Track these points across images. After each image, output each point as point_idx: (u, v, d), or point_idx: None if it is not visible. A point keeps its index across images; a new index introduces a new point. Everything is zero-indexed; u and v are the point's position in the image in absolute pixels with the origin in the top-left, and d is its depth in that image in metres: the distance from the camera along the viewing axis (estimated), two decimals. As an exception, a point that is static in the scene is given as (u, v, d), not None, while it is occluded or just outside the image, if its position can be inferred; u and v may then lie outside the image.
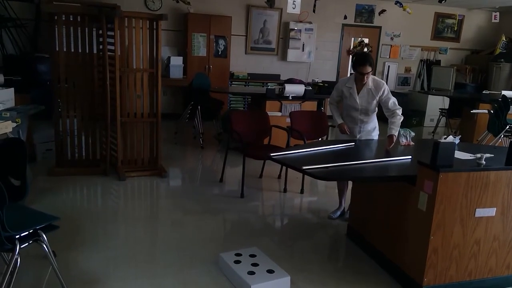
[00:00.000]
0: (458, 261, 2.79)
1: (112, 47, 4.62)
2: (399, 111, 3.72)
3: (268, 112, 5.24)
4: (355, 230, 3.59)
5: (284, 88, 6.08)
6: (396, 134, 3.65)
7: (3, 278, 2.26)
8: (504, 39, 10.06)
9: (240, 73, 8.90)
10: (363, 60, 3.65)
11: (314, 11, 8.95)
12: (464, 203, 2.69)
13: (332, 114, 4.02)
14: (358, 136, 3.91)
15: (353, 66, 3.73)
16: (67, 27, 4.63)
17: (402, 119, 3.72)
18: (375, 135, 3.96)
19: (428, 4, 9.67)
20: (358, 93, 3.77)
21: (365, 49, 9.80)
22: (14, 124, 3.66)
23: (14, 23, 7.15)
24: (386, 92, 3.74)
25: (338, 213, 4.10)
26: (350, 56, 9.91)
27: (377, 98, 3.74)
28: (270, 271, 2.82)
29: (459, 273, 2.82)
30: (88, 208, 4.13)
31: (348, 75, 10.04)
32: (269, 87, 6.21)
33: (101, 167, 4.96)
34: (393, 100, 3.75)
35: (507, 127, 6.11)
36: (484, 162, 2.73)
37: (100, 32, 4.70)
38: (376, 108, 3.84)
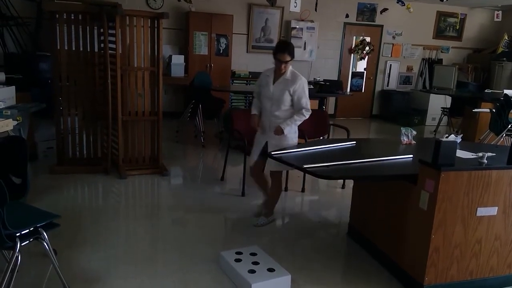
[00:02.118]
0: (459, 260, 2.78)
1: (113, 46, 4.62)
2: (307, 114, 3.50)
3: (269, 111, 5.22)
4: (356, 229, 3.58)
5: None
6: (287, 131, 3.47)
7: (3, 275, 2.26)
8: (507, 38, 10.03)
9: (242, 72, 8.90)
10: (283, 47, 3.46)
11: (316, 9, 8.94)
12: (465, 202, 2.68)
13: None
14: (267, 133, 3.58)
15: (273, 53, 3.51)
16: (69, 26, 4.62)
17: (303, 120, 3.53)
18: (292, 137, 3.58)
19: (430, 2, 9.64)
20: (274, 83, 3.54)
21: (367, 48, 9.77)
22: (15, 122, 3.66)
23: (15, 21, 7.15)
24: (301, 88, 3.48)
25: (264, 220, 3.79)
26: (351, 55, 9.91)
27: (291, 90, 3.46)
28: (270, 270, 2.81)
29: (460, 273, 2.81)
30: (89, 207, 4.13)
31: (350, 74, 10.03)
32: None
33: (102, 166, 4.96)
34: (306, 100, 3.50)
35: (509, 126, 6.09)
36: (486, 161, 2.72)
37: (102, 30, 4.70)
38: (291, 107, 3.54)
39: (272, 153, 3.17)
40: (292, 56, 3.48)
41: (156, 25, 4.76)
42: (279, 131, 3.47)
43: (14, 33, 7.16)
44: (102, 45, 4.78)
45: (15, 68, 6.29)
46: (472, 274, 2.85)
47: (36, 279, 2.72)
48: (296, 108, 3.53)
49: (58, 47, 4.63)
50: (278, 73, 3.53)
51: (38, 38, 7.45)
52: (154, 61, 4.84)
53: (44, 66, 6.82)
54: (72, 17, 4.63)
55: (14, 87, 4.33)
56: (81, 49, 4.73)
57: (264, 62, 9.14)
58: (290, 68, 3.53)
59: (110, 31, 4.64)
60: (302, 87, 3.50)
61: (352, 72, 10.07)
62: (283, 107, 3.52)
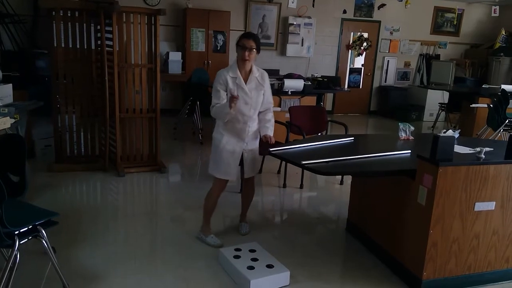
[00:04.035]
0: (457, 255, 2.80)
1: (110, 43, 4.61)
2: (272, 107, 3.28)
3: (267, 107, 5.22)
4: (354, 225, 3.60)
5: (283, 83, 6.07)
6: (272, 133, 3.21)
7: (2, 273, 2.26)
8: (504, 33, 10.04)
9: (239, 68, 8.86)
10: (248, 34, 3.09)
11: (313, 5, 8.93)
12: (463, 197, 2.69)
13: (219, 111, 3.08)
14: (245, 140, 3.20)
15: (237, 42, 3.09)
16: (65, 23, 4.61)
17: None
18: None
19: (428, -2, 9.65)
20: (246, 83, 3.11)
21: (365, 44, 9.77)
22: (13, 120, 3.65)
23: (12, 19, 7.12)
24: (268, 83, 3.22)
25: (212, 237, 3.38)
26: (349, 51, 9.89)
27: (264, 88, 3.17)
28: (269, 266, 2.82)
29: (458, 267, 2.83)
30: (88, 204, 4.13)
31: (348, 70, 10.02)
32: (268, 82, 6.20)
33: (100, 163, 4.96)
34: (271, 94, 3.26)
35: (507, 121, 6.11)
36: (484, 156, 2.73)
37: (98, 27, 4.68)
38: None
39: (271, 150, 3.16)
40: (258, 45, 3.08)
41: (153, 22, 4.74)
42: (270, 138, 3.15)
43: (10, 30, 7.13)
44: (99, 42, 4.76)
45: (12, 65, 6.27)
46: (470, 269, 2.86)
47: (35, 277, 2.72)
48: (265, 105, 3.22)
49: (55, 45, 4.61)
50: (243, 71, 3.11)
51: (35, 36, 7.42)
52: (151, 58, 4.83)
53: (41, 64, 6.80)
54: (69, 14, 4.61)
55: (11, 85, 4.32)
56: (78, 46, 4.71)
57: (261, 58, 9.14)
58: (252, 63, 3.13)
59: (107, 28, 4.63)
60: (268, 82, 3.24)
61: (350, 68, 10.07)
62: (258, 108, 3.19)
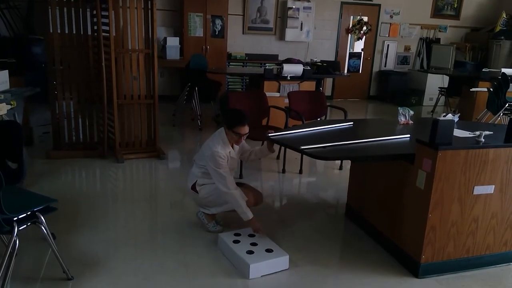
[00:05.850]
0: (456, 238, 2.81)
1: (106, 28, 4.55)
2: None
3: (266, 93, 5.20)
4: (353, 210, 3.60)
5: (282, 68, 6.02)
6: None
7: (2, 259, 2.27)
8: (505, 16, 9.94)
9: (238, 54, 8.81)
10: (243, 118, 3.08)
11: (312, -11, 8.81)
12: (462, 180, 2.69)
13: (237, 202, 3.01)
14: None
15: (230, 126, 3.08)
16: (61, 8, 4.55)
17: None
18: None
19: (428, -20, 9.52)
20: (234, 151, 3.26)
21: (364, 28, 9.68)
22: (9, 107, 3.63)
23: (7, 4, 7.03)
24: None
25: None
26: (349, 35, 9.80)
27: (240, 145, 3.30)
28: (269, 250, 2.83)
29: (457, 250, 2.84)
30: (87, 191, 4.13)
31: (347, 54, 9.94)
32: (267, 68, 6.15)
33: (98, 150, 4.95)
34: None
35: (507, 105, 6.09)
36: (483, 140, 2.71)
37: (95, 12, 4.62)
38: None
39: (270, 135, 3.14)
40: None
41: (149, 6, 4.68)
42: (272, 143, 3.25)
43: (5, 16, 7.04)
44: (95, 27, 4.71)
45: (7, 52, 6.21)
46: (468, 252, 2.87)
47: (36, 264, 2.73)
48: (246, 149, 3.38)
49: (51, 30, 4.55)
50: (232, 144, 3.22)
51: (31, 21, 7.33)
52: (148, 43, 4.78)
53: (37, 50, 6.73)
54: (64, 0, 4.55)
55: (7, 71, 4.27)
56: (74, 32, 4.66)
57: (260, 43, 9.08)
58: None
59: (103, 13, 4.56)
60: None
61: (349, 53, 9.99)
62: None
